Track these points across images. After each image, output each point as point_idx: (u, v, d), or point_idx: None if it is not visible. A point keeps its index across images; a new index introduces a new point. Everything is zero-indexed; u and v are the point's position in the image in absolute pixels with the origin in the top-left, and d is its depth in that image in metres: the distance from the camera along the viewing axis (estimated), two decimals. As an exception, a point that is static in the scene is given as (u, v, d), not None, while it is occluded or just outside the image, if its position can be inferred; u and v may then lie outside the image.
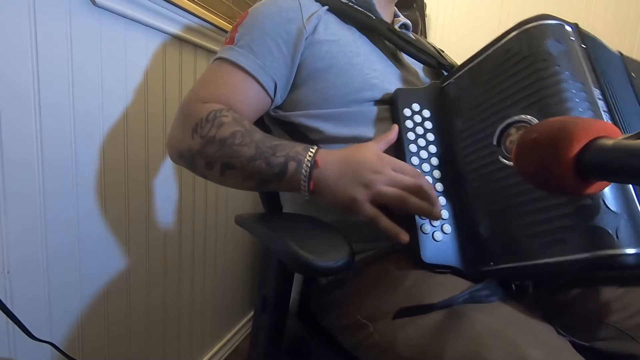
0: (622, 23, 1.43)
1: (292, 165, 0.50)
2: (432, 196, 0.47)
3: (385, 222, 0.48)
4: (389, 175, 0.48)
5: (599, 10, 1.45)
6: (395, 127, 0.55)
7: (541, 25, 0.46)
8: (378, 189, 0.48)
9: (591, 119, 0.28)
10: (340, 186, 0.49)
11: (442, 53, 0.74)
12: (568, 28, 0.47)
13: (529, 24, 0.47)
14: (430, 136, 0.54)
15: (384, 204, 0.48)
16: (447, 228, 0.49)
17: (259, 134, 0.53)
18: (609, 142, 0.26)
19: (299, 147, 0.51)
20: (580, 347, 0.41)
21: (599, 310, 0.52)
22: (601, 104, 0.42)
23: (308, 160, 0.49)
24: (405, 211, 0.48)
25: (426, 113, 0.56)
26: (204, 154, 0.52)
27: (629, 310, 0.51)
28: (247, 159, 0.50)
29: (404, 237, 0.48)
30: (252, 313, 1.37)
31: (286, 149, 0.51)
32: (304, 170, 0.49)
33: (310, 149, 0.51)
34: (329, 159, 0.50)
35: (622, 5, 1.42)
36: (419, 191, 0.47)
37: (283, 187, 0.52)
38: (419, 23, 1.49)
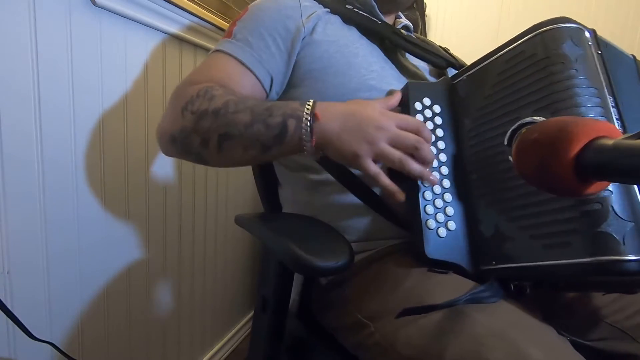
0: (622, 23, 1.43)
1: (291, 123, 0.48)
2: (430, 158, 0.48)
3: (384, 180, 0.48)
4: (393, 132, 0.47)
5: (599, 10, 1.45)
6: (398, 93, 0.54)
7: (559, 28, 0.45)
8: (381, 146, 0.47)
9: (591, 119, 0.28)
10: (343, 140, 0.47)
11: (448, 52, 0.74)
12: (586, 33, 0.46)
13: (546, 27, 0.46)
14: (440, 132, 0.54)
15: (384, 165, 0.48)
16: (452, 225, 0.49)
17: (251, 100, 0.51)
18: (609, 142, 0.26)
19: (294, 103, 0.49)
20: (580, 347, 0.41)
21: (599, 310, 0.52)
22: (614, 111, 0.42)
23: (307, 113, 0.48)
24: (404, 172, 0.48)
25: (437, 108, 0.55)
26: (199, 129, 0.50)
27: (629, 310, 0.51)
28: (244, 126, 0.48)
29: (400, 196, 0.48)
30: (252, 313, 1.37)
31: (282, 108, 0.49)
32: (304, 125, 0.47)
33: (307, 103, 0.49)
34: (329, 111, 0.49)
35: (622, 5, 1.42)
36: (420, 149, 0.47)
37: (285, 150, 0.49)
38: (419, 23, 1.49)
